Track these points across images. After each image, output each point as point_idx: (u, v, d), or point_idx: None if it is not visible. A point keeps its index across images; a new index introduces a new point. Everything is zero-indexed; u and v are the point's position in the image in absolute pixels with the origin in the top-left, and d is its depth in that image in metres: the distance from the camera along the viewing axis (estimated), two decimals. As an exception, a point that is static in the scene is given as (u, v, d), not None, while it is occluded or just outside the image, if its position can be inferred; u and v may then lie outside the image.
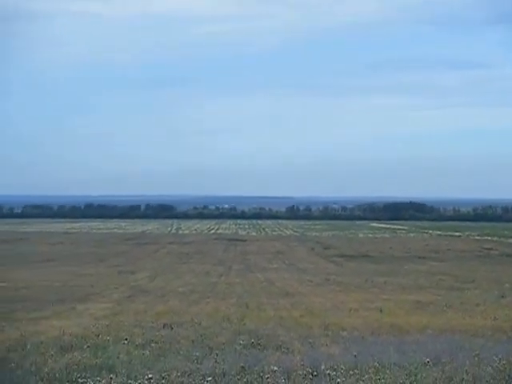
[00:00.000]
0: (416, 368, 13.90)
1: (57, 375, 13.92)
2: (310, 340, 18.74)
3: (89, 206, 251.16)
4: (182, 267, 58.13)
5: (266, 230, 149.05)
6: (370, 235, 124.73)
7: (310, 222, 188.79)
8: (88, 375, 13.64)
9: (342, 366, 13.77)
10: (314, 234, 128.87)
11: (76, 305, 30.37)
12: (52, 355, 16.20)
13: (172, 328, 21.57)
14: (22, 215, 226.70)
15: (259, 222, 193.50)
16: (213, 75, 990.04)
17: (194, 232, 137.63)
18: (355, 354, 15.54)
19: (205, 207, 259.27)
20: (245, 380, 12.61)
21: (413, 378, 13.07)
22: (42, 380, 13.60)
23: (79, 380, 13.22)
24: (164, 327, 21.88)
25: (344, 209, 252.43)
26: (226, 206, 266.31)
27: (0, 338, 19.46)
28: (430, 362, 14.33)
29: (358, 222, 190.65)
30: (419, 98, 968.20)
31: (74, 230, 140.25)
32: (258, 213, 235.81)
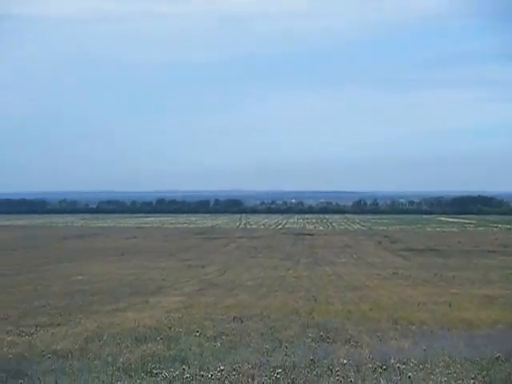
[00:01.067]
0: (488, 363, 13.83)
1: (132, 366, 14.38)
2: (379, 334, 18.80)
3: (160, 201, 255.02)
4: (250, 261, 58.59)
5: (333, 224, 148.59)
6: (438, 229, 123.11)
7: (377, 217, 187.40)
8: (162, 366, 14.05)
9: (412, 360, 13.75)
10: (381, 228, 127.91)
11: (149, 298, 31.03)
12: (127, 346, 16.73)
13: (242, 321, 21.88)
14: (96, 211, 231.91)
15: (326, 216, 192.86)
16: (283, 72, 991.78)
17: (262, 226, 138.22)
18: (424, 347, 15.53)
19: (272, 202, 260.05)
20: (314, 373, 12.77)
21: (485, 372, 13.01)
22: (119, 370, 14.06)
23: (153, 371, 13.63)
24: (234, 320, 22.20)
25: (411, 203, 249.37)
26: (294, 200, 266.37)
27: (78, 330, 20.13)
28: (502, 357, 14.22)
29: (425, 216, 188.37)
30: (484, 92, 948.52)
31: (145, 225, 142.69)
32: (325, 207, 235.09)
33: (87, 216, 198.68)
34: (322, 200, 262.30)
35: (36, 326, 21.32)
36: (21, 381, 12.75)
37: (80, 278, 42.30)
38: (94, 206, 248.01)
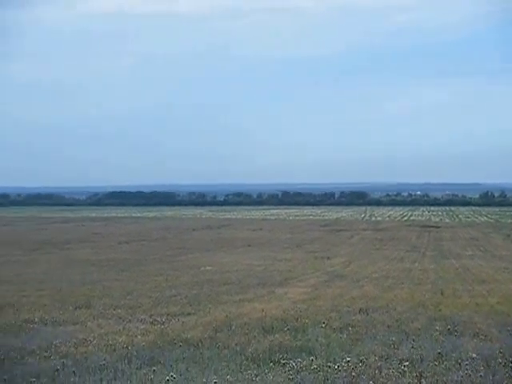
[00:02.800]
0: None
1: (260, 355, 14.72)
2: (509, 328, 18.30)
3: (286, 193, 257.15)
4: (375, 253, 58.14)
5: (460, 216, 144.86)
6: None
7: (505, 209, 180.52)
8: (289, 356, 14.31)
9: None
10: (509, 221, 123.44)
11: (275, 288, 31.42)
12: (255, 336, 17.10)
13: (368, 313, 21.84)
14: (224, 203, 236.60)
15: (452, 208, 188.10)
16: (411, 64, 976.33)
17: (387, 218, 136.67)
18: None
19: (397, 194, 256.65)
20: (443, 366, 12.65)
21: None
22: (247, 359, 14.43)
23: (281, 361, 13.91)
24: (360, 312, 22.19)
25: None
26: (419, 192, 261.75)
27: (207, 319, 20.70)
28: None
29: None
30: None
31: (271, 217, 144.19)
32: (451, 199, 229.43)
33: (215, 208, 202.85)
34: (448, 192, 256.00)
35: (167, 315, 22.08)
36: (154, 368, 13.33)
37: (209, 268, 43.30)
38: (222, 199, 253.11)
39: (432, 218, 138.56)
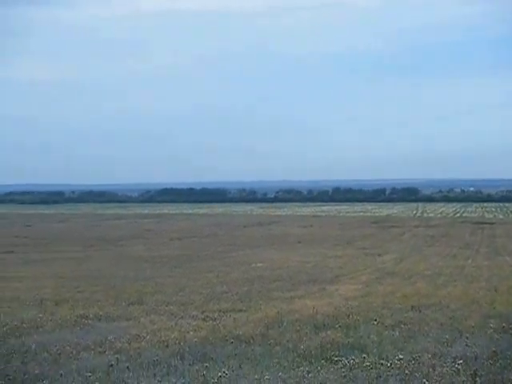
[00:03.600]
0: None
1: (312, 352, 14.70)
2: None
3: (336, 190, 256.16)
4: (427, 250, 57.51)
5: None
6: None
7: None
8: (341, 353, 14.27)
9: None
10: None
11: (326, 285, 31.32)
12: (307, 333, 17.08)
13: (420, 310, 21.62)
14: (274, 200, 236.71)
15: (506, 204, 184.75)
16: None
17: (439, 215, 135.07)
18: None
19: (450, 190, 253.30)
20: (498, 365, 12.47)
21: None
22: (299, 356, 14.42)
23: (333, 358, 13.87)
24: (412, 309, 21.98)
25: None
26: (472, 188, 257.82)
27: (259, 316, 20.76)
28: None
29: None
30: None
31: (321, 214, 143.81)
32: (505, 196, 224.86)
33: (265, 205, 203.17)
34: (502, 188, 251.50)
35: (219, 312, 22.19)
36: (206, 364, 13.43)
37: (260, 264, 43.39)
38: (272, 195, 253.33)
39: (485, 214, 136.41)
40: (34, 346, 15.74)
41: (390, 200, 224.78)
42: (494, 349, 13.87)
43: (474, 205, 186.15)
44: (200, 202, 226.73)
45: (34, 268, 43.88)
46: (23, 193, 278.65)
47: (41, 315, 21.32)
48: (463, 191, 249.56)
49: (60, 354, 15.01)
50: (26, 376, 12.77)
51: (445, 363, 12.47)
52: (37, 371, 13.13)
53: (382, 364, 12.64)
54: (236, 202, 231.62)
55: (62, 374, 12.51)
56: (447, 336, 16.12)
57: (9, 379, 12.51)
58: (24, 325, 19.34)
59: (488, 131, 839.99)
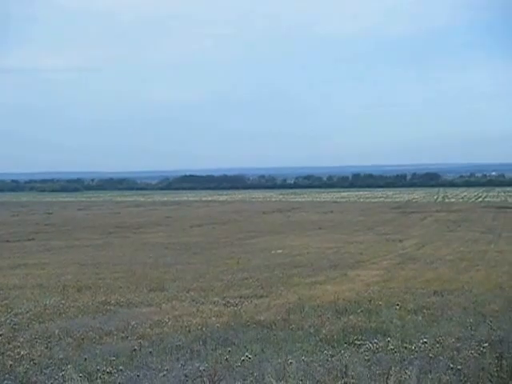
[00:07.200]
0: None
1: (334, 337, 14.67)
2: None
3: (356, 175, 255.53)
4: (449, 235, 57.21)
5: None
6: None
7: None
8: (364, 338, 14.22)
9: None
10: None
11: (347, 271, 31.26)
12: (328, 318, 17.04)
13: (442, 295, 21.52)
14: (294, 186, 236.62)
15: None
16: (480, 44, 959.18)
17: (460, 200, 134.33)
18: None
19: (471, 175, 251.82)
20: (523, 347, 12.37)
21: None
22: (321, 341, 14.39)
23: (356, 342, 13.82)
24: (434, 294, 21.89)
25: None
26: (494, 173, 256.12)
27: (280, 302, 20.76)
28: None
29: None
30: None
31: (341, 200, 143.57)
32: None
33: (285, 191, 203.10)
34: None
35: (240, 298, 22.20)
36: (229, 348, 13.43)
37: (280, 251, 43.37)
38: (292, 182, 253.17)
39: (508, 198, 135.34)
40: (57, 332, 15.83)
41: (411, 185, 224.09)
42: (518, 332, 13.76)
43: (497, 189, 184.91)
44: (219, 188, 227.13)
45: (56, 255, 44.15)
46: (43, 180, 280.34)
47: (63, 301, 21.43)
48: (485, 176, 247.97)
49: (83, 339, 15.08)
50: (51, 360, 12.84)
51: (470, 346, 12.37)
52: (61, 355, 13.21)
53: (405, 348, 12.57)
54: (255, 188, 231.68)
55: (85, 359, 12.56)
56: (471, 320, 16.02)
57: (34, 363, 12.59)
58: (47, 311, 19.46)
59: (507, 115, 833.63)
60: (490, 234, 57.01)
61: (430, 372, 10.00)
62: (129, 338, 15.27)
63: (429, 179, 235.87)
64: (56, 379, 11.09)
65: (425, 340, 12.77)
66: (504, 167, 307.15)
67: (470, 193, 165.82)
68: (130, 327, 16.45)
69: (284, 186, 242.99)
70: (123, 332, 15.90)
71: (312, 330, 15.48)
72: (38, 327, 16.79)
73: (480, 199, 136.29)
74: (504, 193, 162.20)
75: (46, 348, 14.13)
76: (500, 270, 30.71)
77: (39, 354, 13.50)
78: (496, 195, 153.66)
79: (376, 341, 13.52)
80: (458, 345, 12.92)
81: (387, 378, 9.43)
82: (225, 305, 20.54)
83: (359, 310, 18.06)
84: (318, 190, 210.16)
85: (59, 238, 60.23)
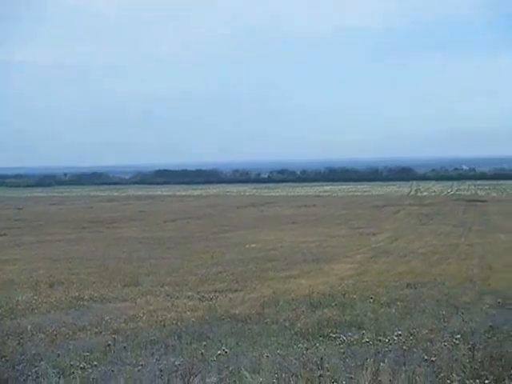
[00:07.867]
0: None
1: (309, 330, 14.74)
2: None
3: (330, 169, 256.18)
4: (421, 228, 57.62)
5: (508, 190, 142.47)
6: None
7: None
8: (339, 331, 14.30)
9: None
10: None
11: (321, 265, 31.39)
12: (303, 311, 17.12)
13: (415, 288, 21.74)
14: (267, 180, 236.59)
15: (499, 182, 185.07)
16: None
17: (432, 193, 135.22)
18: None
19: (442, 168, 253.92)
20: (495, 339, 12.49)
21: None
22: (296, 334, 14.46)
23: (331, 335, 13.88)
24: (407, 287, 22.10)
25: None
26: (465, 167, 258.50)
27: (254, 295, 20.80)
28: None
29: None
30: None
31: (313, 194, 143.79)
32: (498, 173, 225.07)
33: (258, 185, 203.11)
34: (495, 166, 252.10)
35: (214, 292, 22.23)
36: (204, 343, 13.43)
37: (254, 245, 43.39)
38: (266, 176, 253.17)
39: (478, 192, 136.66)
40: (29, 328, 15.72)
41: (384, 179, 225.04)
42: (490, 324, 13.90)
43: (468, 183, 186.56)
44: (193, 183, 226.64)
45: (28, 250, 43.76)
46: (17, 176, 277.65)
47: (35, 297, 21.29)
48: (456, 169, 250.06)
49: (56, 334, 14.98)
50: (23, 357, 12.72)
51: (443, 338, 12.48)
52: (33, 351, 13.10)
53: (379, 340, 12.63)
54: (229, 182, 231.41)
55: (59, 355, 12.45)
56: (443, 312, 16.16)
57: (6, 360, 12.46)
58: (19, 307, 19.32)
59: (486, 110, 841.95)
60: (461, 228, 57.49)
61: (405, 364, 10.06)
62: (103, 333, 15.21)
63: (402, 173, 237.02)
64: (29, 375, 10.98)
65: (399, 332, 12.86)
66: (475, 161, 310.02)
67: (442, 186, 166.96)
68: (104, 322, 16.38)
69: (258, 180, 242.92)
70: (97, 327, 15.83)
71: (287, 324, 15.54)
72: (10, 323, 16.65)
73: (452, 192, 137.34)
74: (475, 186, 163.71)
75: (18, 344, 14.00)
76: (471, 262, 31.06)
77: (11, 350, 13.37)
78: (467, 188, 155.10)
79: (350, 334, 13.60)
80: (432, 336, 13.04)
81: (362, 370, 9.46)
82: (199, 299, 20.55)
83: (333, 304, 18.16)
84: (292, 184, 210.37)
85: (30, 233, 59.70)
